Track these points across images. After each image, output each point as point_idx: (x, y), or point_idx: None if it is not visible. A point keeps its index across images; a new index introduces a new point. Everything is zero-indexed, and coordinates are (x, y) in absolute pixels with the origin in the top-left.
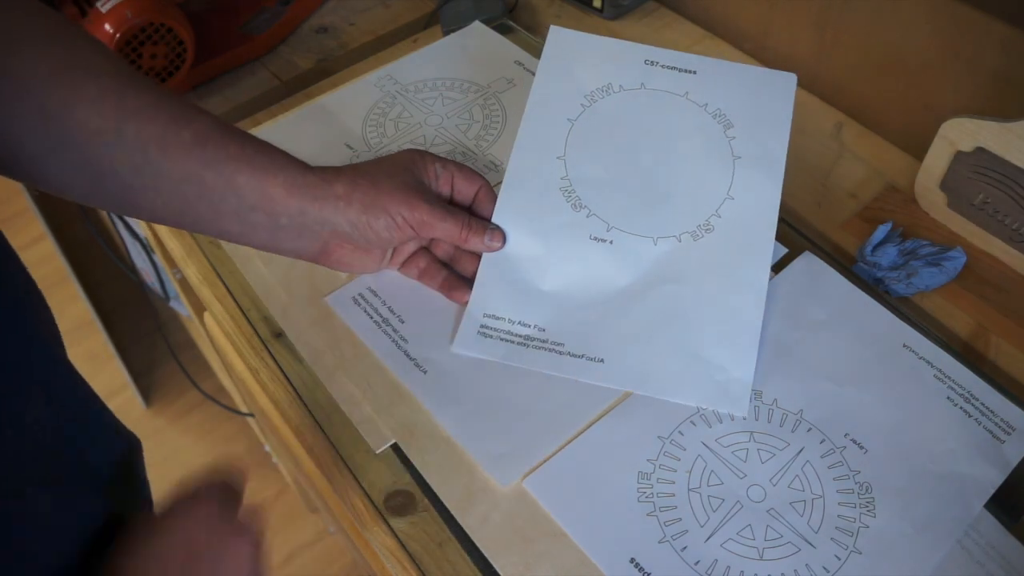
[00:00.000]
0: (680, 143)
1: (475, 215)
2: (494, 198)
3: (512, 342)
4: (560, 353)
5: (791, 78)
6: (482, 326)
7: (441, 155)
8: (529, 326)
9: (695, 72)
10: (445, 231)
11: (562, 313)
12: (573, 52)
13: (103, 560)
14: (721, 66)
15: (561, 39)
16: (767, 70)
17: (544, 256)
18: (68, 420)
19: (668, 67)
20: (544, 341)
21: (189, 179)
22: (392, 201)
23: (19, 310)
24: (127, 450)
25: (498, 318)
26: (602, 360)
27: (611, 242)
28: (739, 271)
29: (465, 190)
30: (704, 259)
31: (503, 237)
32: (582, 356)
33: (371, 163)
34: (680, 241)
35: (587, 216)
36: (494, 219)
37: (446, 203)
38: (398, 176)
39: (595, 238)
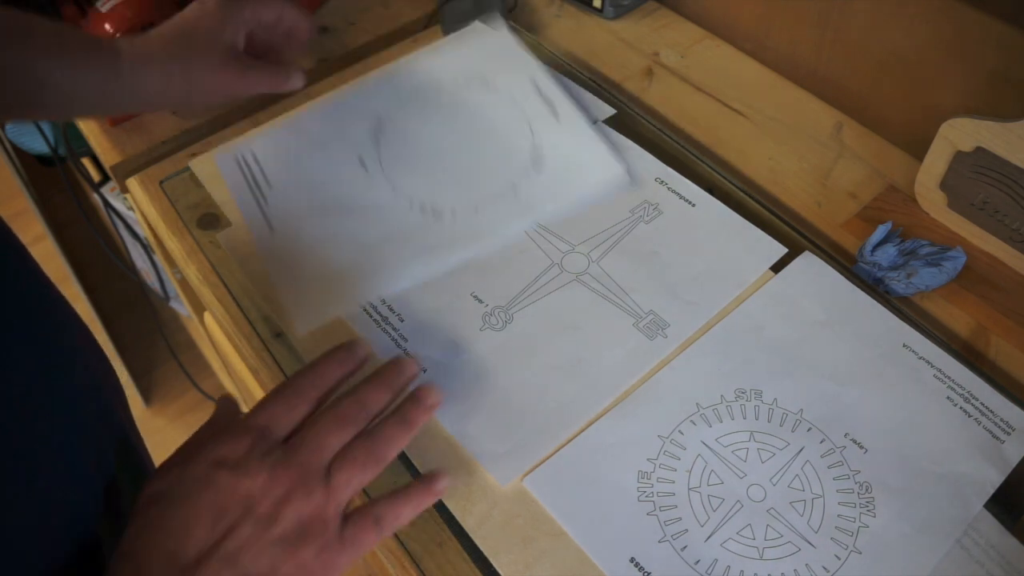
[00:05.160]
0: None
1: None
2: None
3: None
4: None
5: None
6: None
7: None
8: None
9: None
10: (256, 82)
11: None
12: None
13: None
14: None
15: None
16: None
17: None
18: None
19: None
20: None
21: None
22: (204, 80)
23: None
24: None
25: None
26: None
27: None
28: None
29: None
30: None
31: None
32: None
33: (177, 37)
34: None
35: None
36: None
37: (245, 57)
38: (206, 54)
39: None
